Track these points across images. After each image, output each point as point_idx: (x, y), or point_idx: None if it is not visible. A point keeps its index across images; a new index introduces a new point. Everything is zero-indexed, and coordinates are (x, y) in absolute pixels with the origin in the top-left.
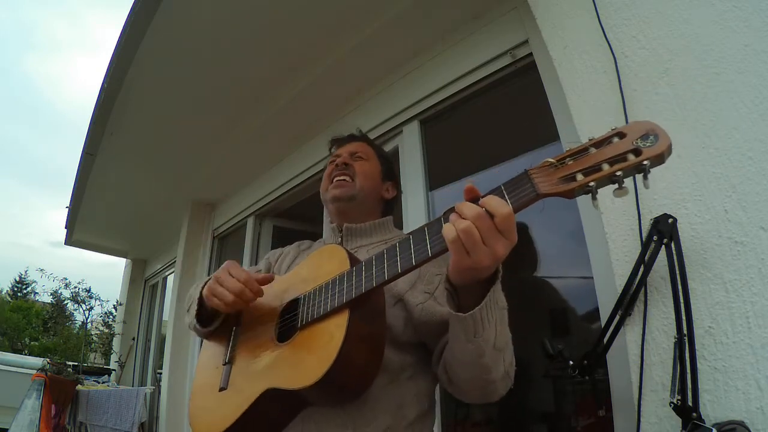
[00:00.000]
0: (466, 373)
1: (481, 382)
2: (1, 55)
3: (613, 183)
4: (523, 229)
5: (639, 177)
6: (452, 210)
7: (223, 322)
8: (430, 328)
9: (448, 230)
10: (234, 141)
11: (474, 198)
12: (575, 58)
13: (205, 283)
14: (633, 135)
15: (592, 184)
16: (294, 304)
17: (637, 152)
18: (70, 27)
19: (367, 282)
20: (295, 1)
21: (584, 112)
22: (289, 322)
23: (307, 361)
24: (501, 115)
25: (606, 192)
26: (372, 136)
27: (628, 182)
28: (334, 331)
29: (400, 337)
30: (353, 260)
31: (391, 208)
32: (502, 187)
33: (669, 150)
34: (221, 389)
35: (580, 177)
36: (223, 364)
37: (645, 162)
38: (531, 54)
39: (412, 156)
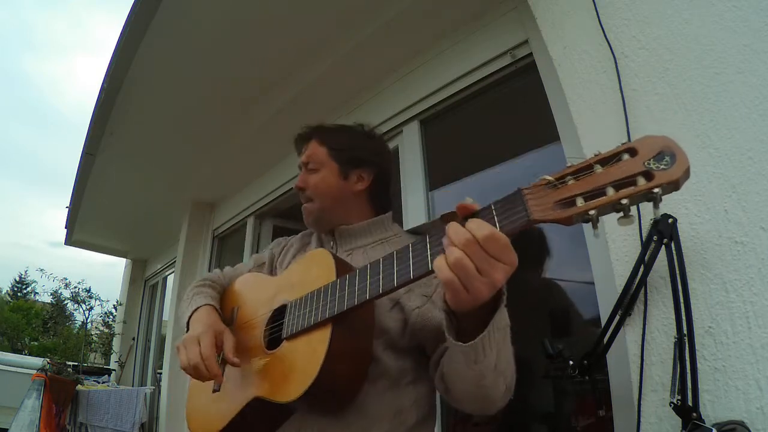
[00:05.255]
0: (463, 392)
1: (479, 400)
2: (1, 55)
3: (617, 211)
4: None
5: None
6: (441, 219)
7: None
8: (426, 333)
9: (441, 268)
10: (234, 141)
11: (469, 214)
12: (575, 58)
13: (194, 307)
14: (645, 153)
15: (593, 212)
16: (283, 309)
17: (648, 176)
18: (71, 27)
19: (349, 299)
20: (295, 2)
21: (584, 112)
22: (278, 328)
23: (291, 375)
24: (501, 115)
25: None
26: None
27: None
28: (317, 346)
29: (399, 342)
30: (340, 269)
31: (379, 195)
32: (493, 207)
33: (686, 174)
34: (214, 390)
35: (580, 202)
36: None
37: (656, 189)
38: (531, 54)
39: (412, 156)
